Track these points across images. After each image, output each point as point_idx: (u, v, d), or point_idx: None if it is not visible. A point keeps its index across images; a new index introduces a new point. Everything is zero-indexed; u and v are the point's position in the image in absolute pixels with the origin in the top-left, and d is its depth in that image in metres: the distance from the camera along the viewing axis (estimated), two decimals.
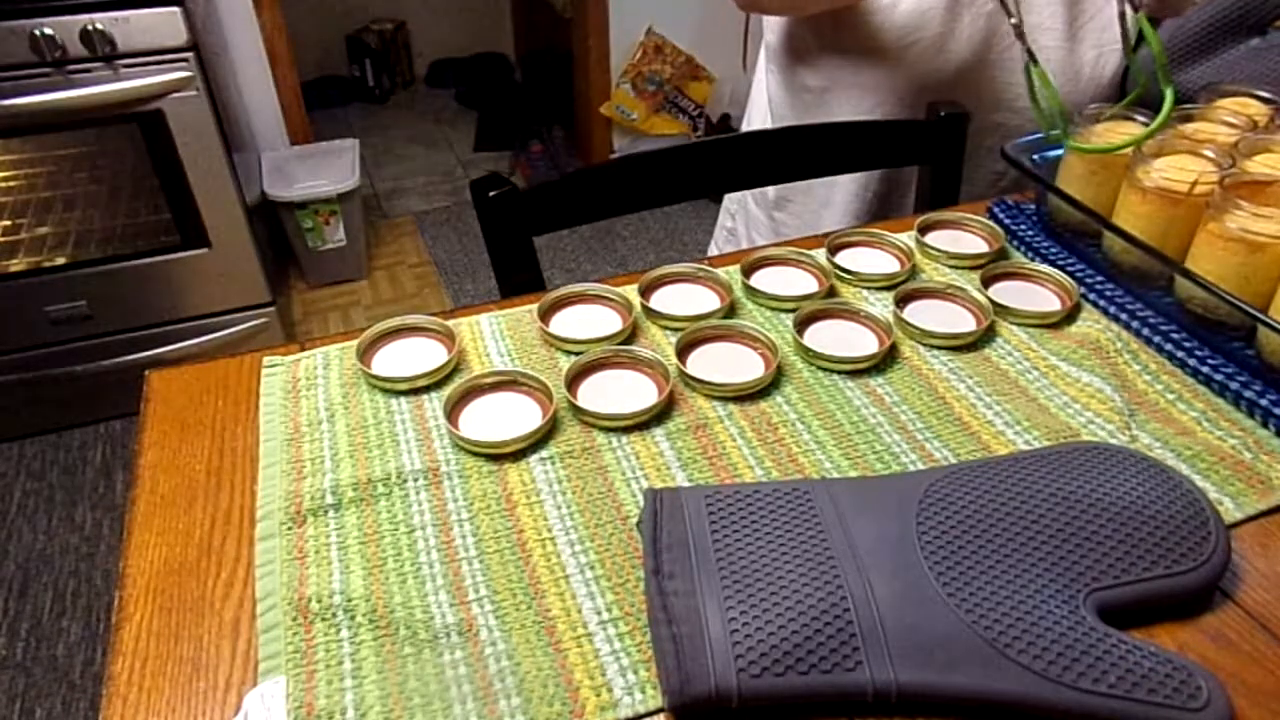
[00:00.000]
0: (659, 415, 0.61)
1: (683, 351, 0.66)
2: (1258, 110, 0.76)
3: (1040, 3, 0.92)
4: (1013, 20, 0.76)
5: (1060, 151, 0.80)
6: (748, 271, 0.74)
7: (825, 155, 0.95)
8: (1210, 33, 0.88)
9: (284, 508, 0.54)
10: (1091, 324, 0.69)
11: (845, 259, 0.76)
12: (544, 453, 0.58)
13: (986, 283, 0.73)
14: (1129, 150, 0.69)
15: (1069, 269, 0.73)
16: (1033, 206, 0.82)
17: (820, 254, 0.76)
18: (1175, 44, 0.91)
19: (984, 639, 0.43)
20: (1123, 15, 0.73)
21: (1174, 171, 0.67)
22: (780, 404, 0.62)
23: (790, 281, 0.74)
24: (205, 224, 1.88)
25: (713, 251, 1.24)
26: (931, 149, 0.96)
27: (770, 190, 1.09)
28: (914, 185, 1.03)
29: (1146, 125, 0.72)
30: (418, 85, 3.73)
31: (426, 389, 0.64)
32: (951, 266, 0.76)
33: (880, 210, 1.04)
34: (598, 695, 0.44)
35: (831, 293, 0.73)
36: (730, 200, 1.19)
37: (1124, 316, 0.68)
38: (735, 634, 0.43)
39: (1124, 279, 0.71)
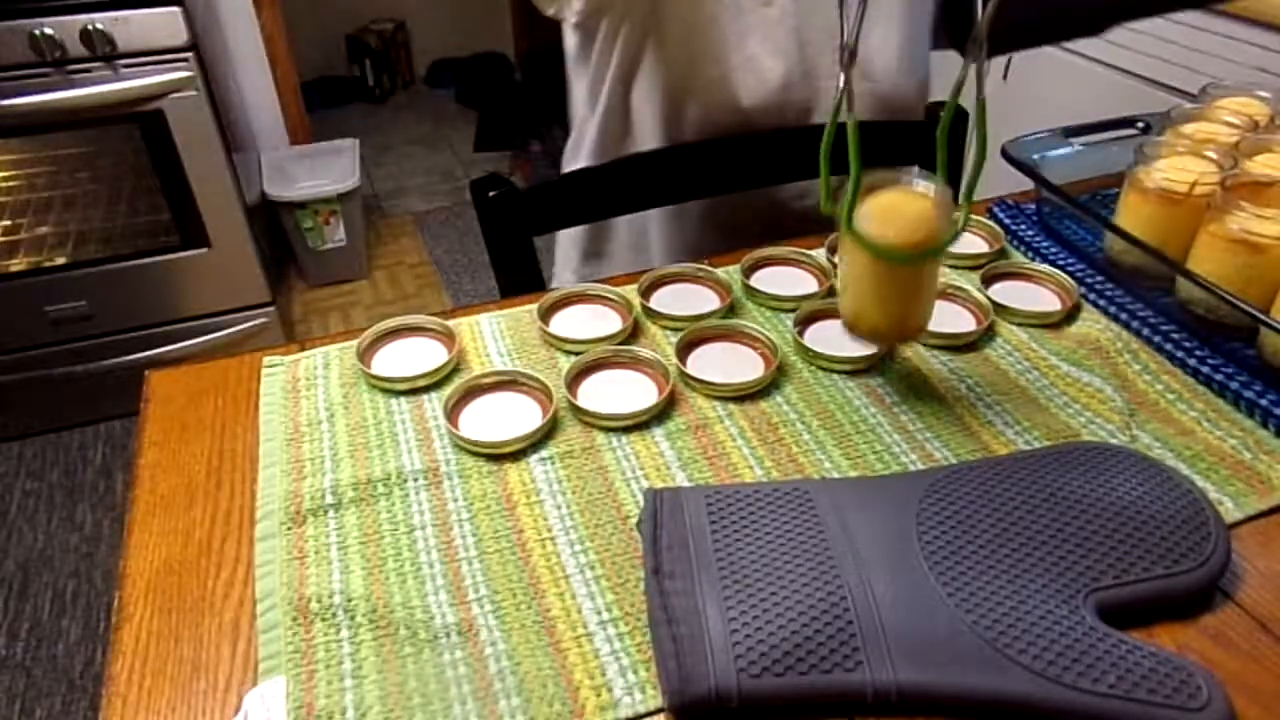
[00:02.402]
0: (659, 415, 0.61)
1: (683, 351, 0.65)
2: (1258, 110, 0.76)
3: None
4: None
5: (1061, 152, 0.80)
6: (748, 271, 0.74)
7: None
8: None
9: (284, 508, 0.54)
10: (1092, 324, 0.69)
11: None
12: (544, 453, 0.58)
13: (986, 283, 0.73)
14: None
15: (1069, 269, 0.73)
16: (1033, 206, 0.82)
17: (820, 254, 0.76)
18: None
19: (984, 639, 0.43)
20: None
21: (1175, 172, 0.67)
22: (780, 404, 0.62)
23: (790, 281, 0.74)
24: (205, 224, 1.88)
25: (563, 279, 1.04)
26: (927, 148, 0.96)
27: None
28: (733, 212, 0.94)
29: (921, 190, 0.58)
30: (418, 85, 3.73)
31: (426, 389, 0.64)
32: (951, 266, 0.76)
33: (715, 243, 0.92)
34: (598, 695, 0.44)
35: (831, 293, 0.73)
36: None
37: (1124, 316, 0.68)
38: (735, 634, 0.43)
39: (1124, 279, 0.71)
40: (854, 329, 0.61)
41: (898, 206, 0.56)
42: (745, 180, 0.92)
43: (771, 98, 0.85)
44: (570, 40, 0.90)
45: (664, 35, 0.81)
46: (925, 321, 0.61)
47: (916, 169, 0.59)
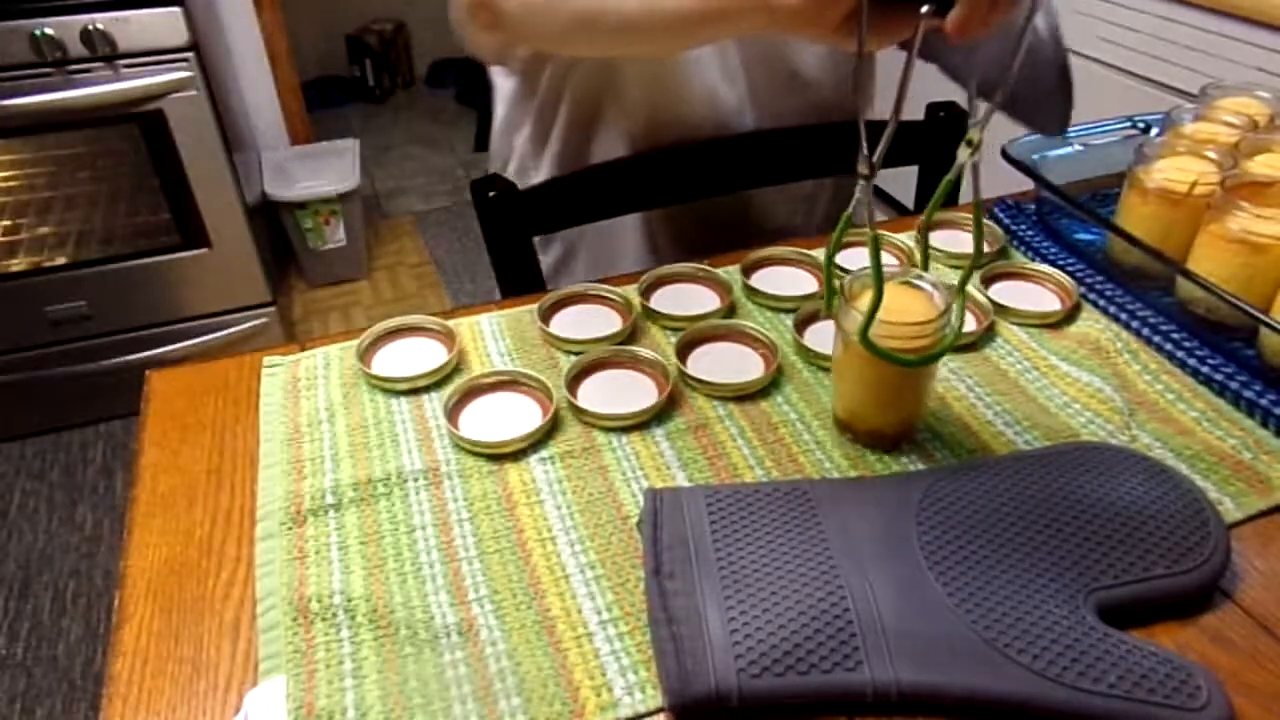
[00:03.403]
0: (659, 415, 0.61)
1: (683, 351, 0.65)
2: (1258, 110, 0.76)
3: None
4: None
5: (1061, 152, 0.80)
6: (748, 271, 0.74)
7: (823, 155, 0.94)
8: None
9: (284, 508, 0.54)
10: (1091, 324, 0.69)
11: (846, 259, 0.76)
12: (544, 453, 0.58)
13: (986, 283, 0.73)
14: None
15: (1069, 269, 0.73)
16: (1033, 206, 0.82)
17: (820, 254, 0.76)
18: None
19: (984, 639, 0.43)
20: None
21: (1175, 172, 0.67)
22: (780, 404, 0.62)
23: (790, 281, 0.74)
24: (205, 224, 1.88)
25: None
26: (926, 149, 0.96)
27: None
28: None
29: (920, 285, 0.56)
30: (418, 85, 3.73)
31: (426, 389, 0.64)
32: (951, 266, 0.76)
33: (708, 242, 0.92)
34: (598, 695, 0.44)
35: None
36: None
37: (1124, 316, 0.68)
38: (735, 634, 0.43)
39: (1124, 279, 0.71)
40: (849, 429, 0.59)
41: (902, 308, 0.53)
42: (747, 179, 0.93)
43: (727, 123, 0.87)
44: (505, 82, 0.89)
45: (622, 81, 0.82)
46: (922, 419, 0.59)
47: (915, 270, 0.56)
